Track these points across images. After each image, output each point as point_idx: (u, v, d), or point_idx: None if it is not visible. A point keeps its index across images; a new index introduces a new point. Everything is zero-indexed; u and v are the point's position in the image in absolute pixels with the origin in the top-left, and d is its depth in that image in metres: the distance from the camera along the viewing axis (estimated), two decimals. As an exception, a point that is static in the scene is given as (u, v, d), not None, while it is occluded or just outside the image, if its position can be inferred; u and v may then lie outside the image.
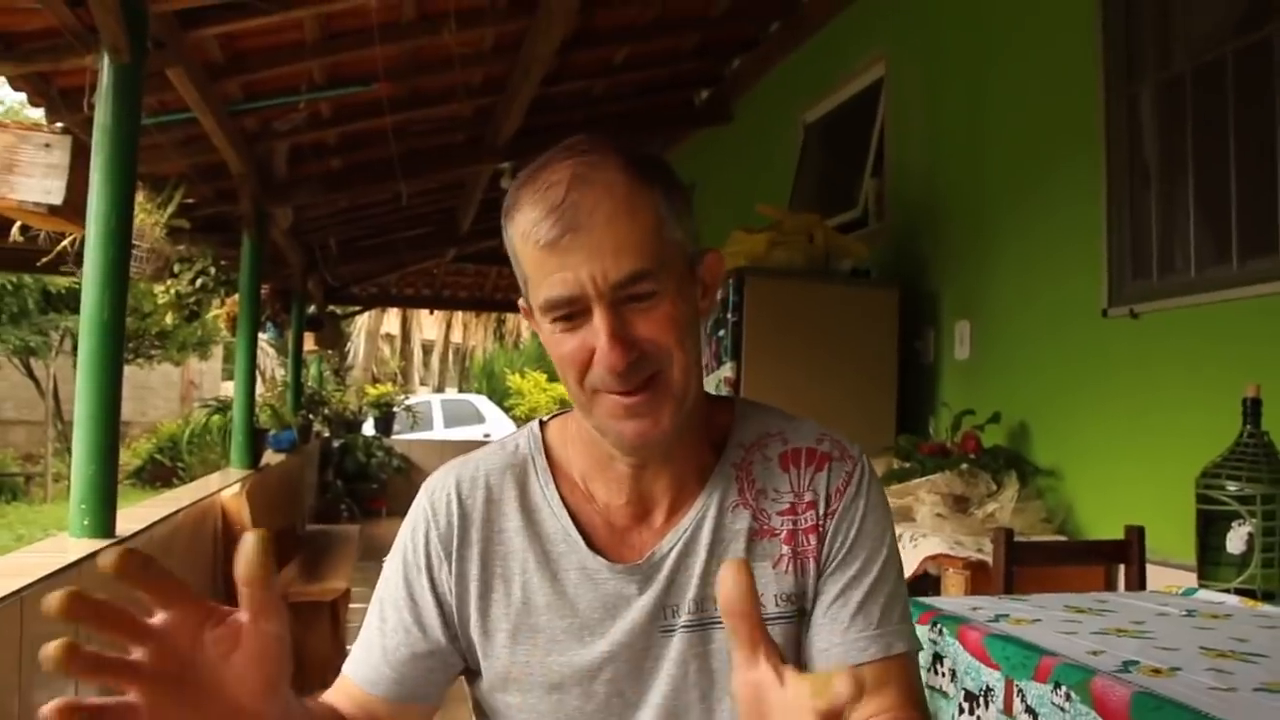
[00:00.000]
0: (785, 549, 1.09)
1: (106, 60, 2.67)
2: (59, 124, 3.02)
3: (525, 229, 0.99)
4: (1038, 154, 3.34)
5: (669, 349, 1.00)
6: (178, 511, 3.51)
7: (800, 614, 1.09)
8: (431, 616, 1.10)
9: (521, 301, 1.06)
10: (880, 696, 1.07)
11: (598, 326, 0.98)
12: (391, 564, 1.15)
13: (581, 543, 1.09)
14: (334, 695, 1.12)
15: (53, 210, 2.84)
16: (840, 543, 1.10)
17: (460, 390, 22.16)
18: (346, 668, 1.13)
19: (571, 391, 1.04)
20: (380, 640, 1.11)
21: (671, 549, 1.09)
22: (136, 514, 3.23)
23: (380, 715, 1.11)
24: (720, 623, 1.06)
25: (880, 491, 1.14)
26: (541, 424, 1.18)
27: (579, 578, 1.08)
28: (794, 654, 1.08)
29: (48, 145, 2.80)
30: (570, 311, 0.99)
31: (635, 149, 1.03)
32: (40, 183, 2.79)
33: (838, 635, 1.07)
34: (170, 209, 4.32)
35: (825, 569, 1.10)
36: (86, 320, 2.67)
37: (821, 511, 1.10)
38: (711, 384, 3.69)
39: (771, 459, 1.13)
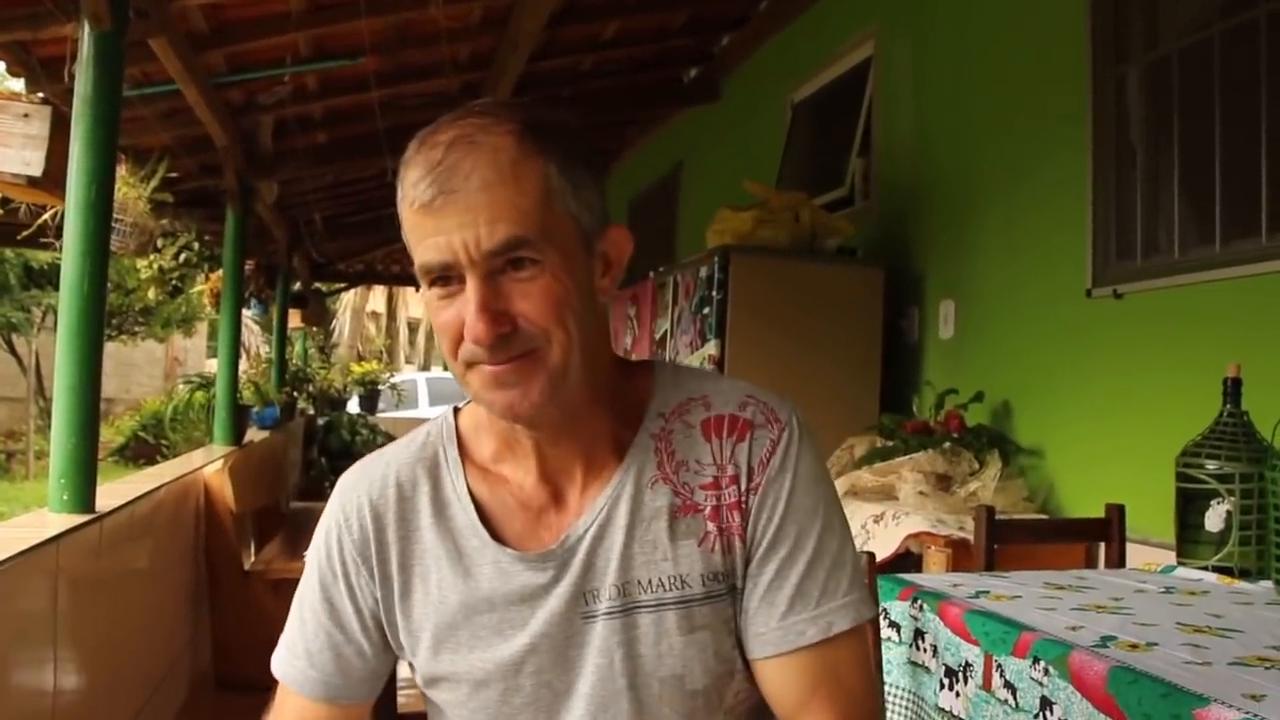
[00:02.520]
0: (711, 526, 1.04)
1: (87, 28, 2.64)
2: (39, 94, 2.98)
3: (405, 190, 0.96)
4: (1024, 134, 3.33)
5: (546, 327, 0.95)
6: (159, 488, 3.49)
7: (730, 591, 1.04)
8: (350, 620, 1.09)
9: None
10: (817, 697, 1.03)
11: (469, 295, 0.94)
12: (309, 566, 1.12)
13: (488, 536, 1.05)
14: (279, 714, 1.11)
15: (32, 181, 2.81)
16: (767, 519, 1.04)
17: (445, 369, 22.11)
18: (277, 668, 1.11)
19: (448, 363, 1.00)
20: (303, 643, 1.10)
21: (586, 531, 1.04)
22: (117, 490, 3.22)
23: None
24: (645, 606, 1.03)
25: (812, 456, 1.07)
26: (456, 411, 1.14)
27: (493, 572, 1.04)
28: (725, 632, 1.04)
29: (26, 115, 2.76)
30: (445, 276, 0.95)
31: (538, 113, 0.99)
32: (19, 153, 2.75)
33: (775, 620, 1.03)
34: (153, 182, 4.28)
35: (755, 549, 1.04)
36: (66, 293, 2.65)
37: (744, 486, 1.04)
38: (696, 362, 3.69)
39: (694, 427, 1.07)
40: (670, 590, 1.03)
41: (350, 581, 1.08)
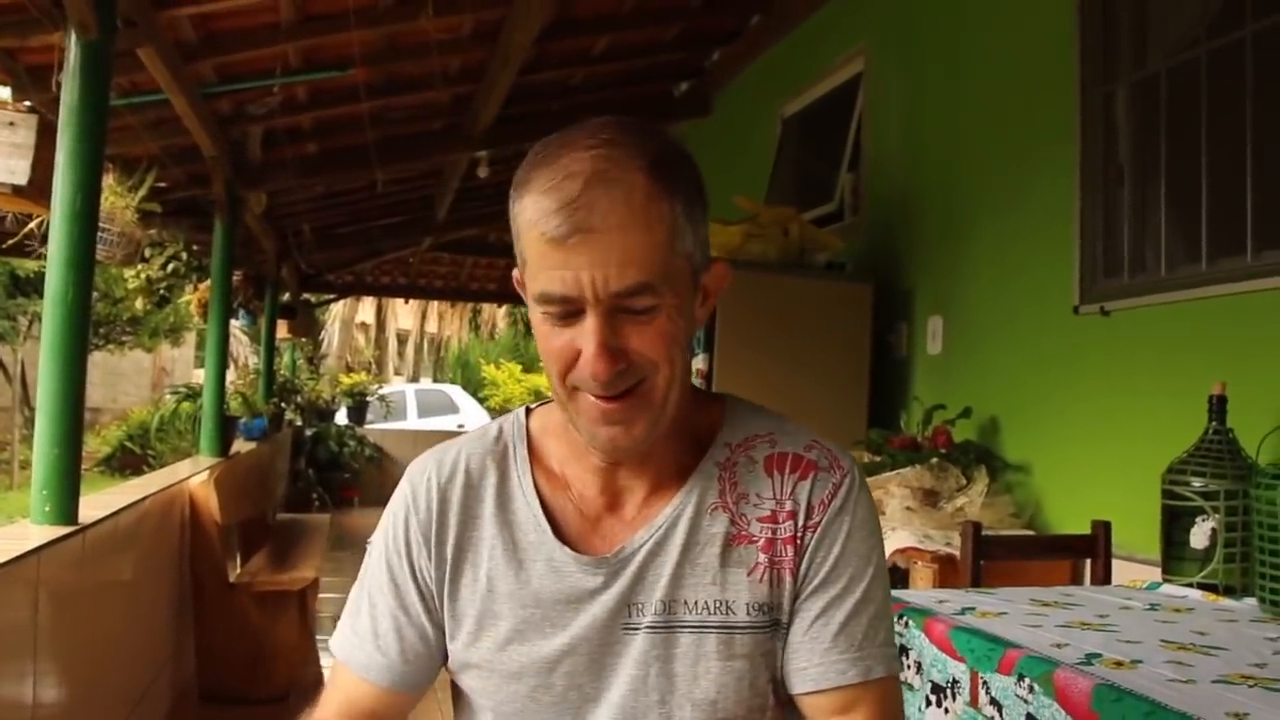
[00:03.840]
0: (762, 557, 1.07)
1: (73, 37, 2.63)
2: (25, 102, 2.97)
3: (534, 216, 0.96)
4: (1013, 151, 3.35)
5: (657, 363, 0.98)
6: (144, 499, 3.47)
7: (774, 625, 1.06)
8: (414, 601, 1.11)
9: (516, 273, 1.04)
10: (857, 712, 1.05)
11: (589, 331, 0.96)
12: (375, 549, 1.15)
13: (550, 532, 1.08)
14: (332, 706, 1.12)
15: (17, 190, 2.79)
16: (822, 559, 1.07)
17: (435, 380, 22.08)
18: (340, 652, 1.13)
19: (553, 384, 1.03)
20: (371, 625, 1.12)
21: (642, 545, 1.07)
22: (101, 501, 3.19)
23: (375, 707, 1.12)
24: (687, 626, 1.05)
25: (869, 506, 1.11)
26: (528, 411, 1.18)
27: (545, 569, 1.07)
28: (764, 666, 1.06)
29: (12, 124, 2.75)
30: (565, 310, 0.97)
31: (663, 145, 1.00)
32: (4, 162, 2.74)
33: (817, 656, 1.05)
34: (141, 192, 4.26)
35: (805, 585, 1.07)
36: (51, 302, 2.63)
37: (801, 523, 1.07)
38: (685, 376, 3.68)
39: (757, 461, 1.10)
40: (714, 614, 1.05)
41: (413, 561, 1.11)
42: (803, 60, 5.09)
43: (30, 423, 13.99)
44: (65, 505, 2.63)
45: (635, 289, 0.95)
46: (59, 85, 2.70)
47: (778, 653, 1.07)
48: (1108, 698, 1.24)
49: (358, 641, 1.13)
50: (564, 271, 0.95)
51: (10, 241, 3.71)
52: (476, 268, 11.37)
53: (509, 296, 12.44)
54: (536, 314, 1.00)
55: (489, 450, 1.14)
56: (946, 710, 1.58)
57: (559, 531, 1.08)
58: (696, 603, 1.05)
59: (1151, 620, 1.71)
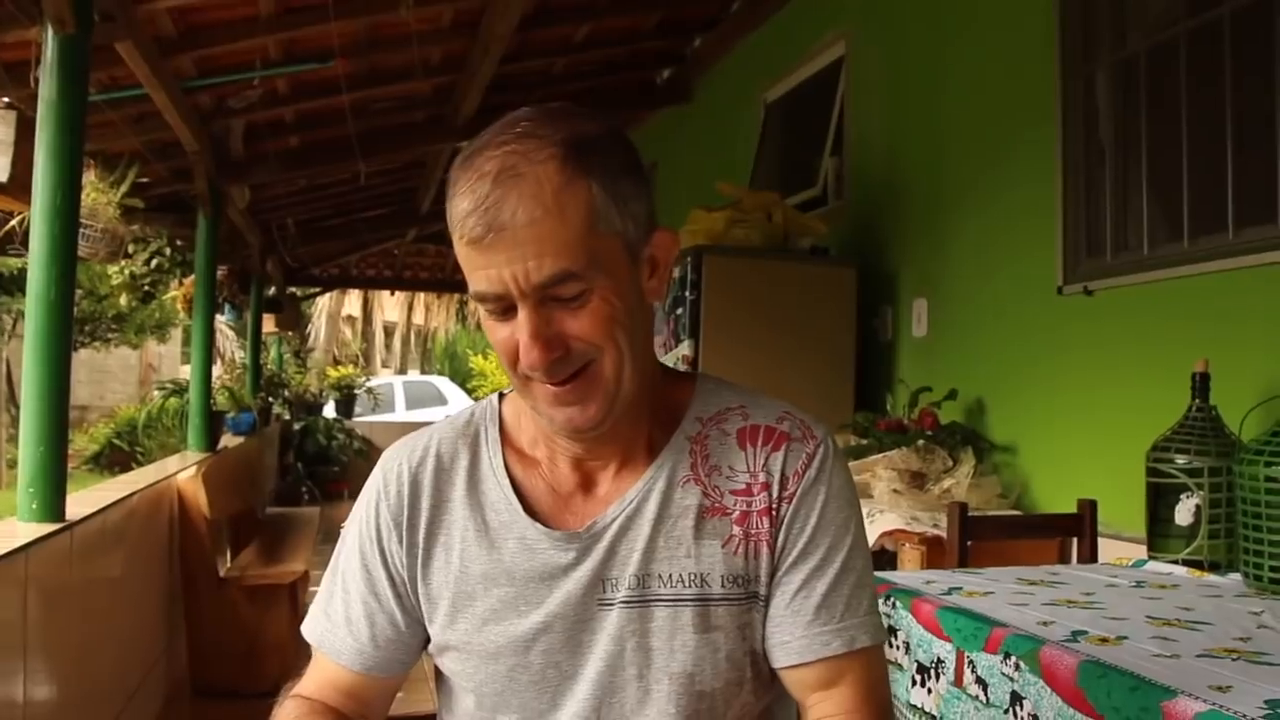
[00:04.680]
0: (737, 530, 1.07)
1: (50, 32, 2.61)
2: (3, 99, 2.95)
3: (455, 220, 0.98)
4: (995, 133, 3.35)
5: (599, 345, 0.99)
6: (132, 495, 3.46)
7: (750, 597, 1.06)
8: (385, 587, 1.12)
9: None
10: (838, 696, 1.05)
11: (521, 323, 0.97)
12: (349, 535, 1.16)
13: (521, 510, 1.08)
14: (312, 684, 1.13)
15: (-3, 187, 2.78)
16: (800, 528, 1.07)
17: (422, 372, 22.03)
18: (313, 637, 1.14)
19: (508, 374, 1.04)
20: (344, 610, 1.13)
21: (614, 520, 1.07)
22: (89, 498, 3.18)
23: (351, 687, 1.12)
24: (662, 600, 1.05)
25: (844, 475, 1.11)
26: (501, 395, 1.19)
27: (518, 547, 1.08)
28: (741, 638, 1.06)
29: (-10, 120, 2.74)
30: (500, 306, 0.98)
31: (578, 128, 0.99)
32: (-16, 159, 2.72)
33: (800, 629, 1.05)
34: (123, 188, 4.24)
35: (783, 558, 1.07)
36: (33, 299, 2.62)
37: (776, 494, 1.07)
38: (669, 362, 3.69)
39: (729, 434, 1.10)
40: (689, 587, 1.05)
41: (383, 547, 1.12)
42: (784, 45, 5.08)
43: (16, 422, 13.92)
44: (52, 502, 2.62)
45: (557, 278, 0.95)
46: (37, 81, 2.68)
47: (755, 625, 1.07)
48: (1093, 673, 1.25)
49: (330, 626, 1.13)
50: (488, 270, 0.96)
51: (-9, 239, 3.69)
52: (462, 259, 11.35)
53: (495, 287, 12.42)
54: (482, 312, 1.02)
55: (460, 434, 1.15)
56: (930, 690, 1.59)
57: (530, 510, 1.09)
58: (671, 576, 1.05)
59: (1137, 597, 1.73)
